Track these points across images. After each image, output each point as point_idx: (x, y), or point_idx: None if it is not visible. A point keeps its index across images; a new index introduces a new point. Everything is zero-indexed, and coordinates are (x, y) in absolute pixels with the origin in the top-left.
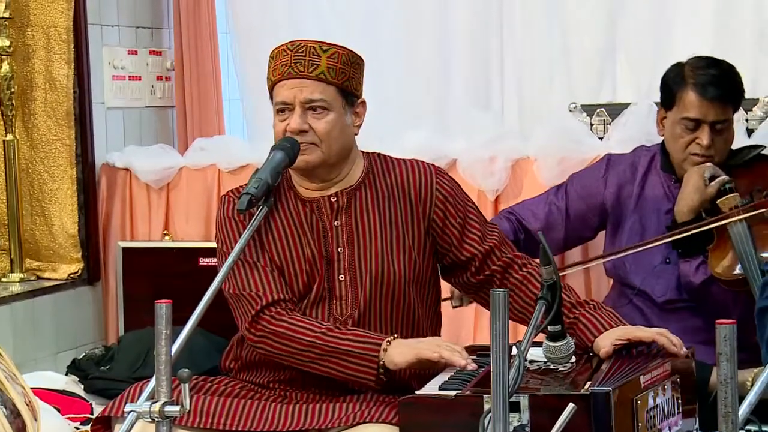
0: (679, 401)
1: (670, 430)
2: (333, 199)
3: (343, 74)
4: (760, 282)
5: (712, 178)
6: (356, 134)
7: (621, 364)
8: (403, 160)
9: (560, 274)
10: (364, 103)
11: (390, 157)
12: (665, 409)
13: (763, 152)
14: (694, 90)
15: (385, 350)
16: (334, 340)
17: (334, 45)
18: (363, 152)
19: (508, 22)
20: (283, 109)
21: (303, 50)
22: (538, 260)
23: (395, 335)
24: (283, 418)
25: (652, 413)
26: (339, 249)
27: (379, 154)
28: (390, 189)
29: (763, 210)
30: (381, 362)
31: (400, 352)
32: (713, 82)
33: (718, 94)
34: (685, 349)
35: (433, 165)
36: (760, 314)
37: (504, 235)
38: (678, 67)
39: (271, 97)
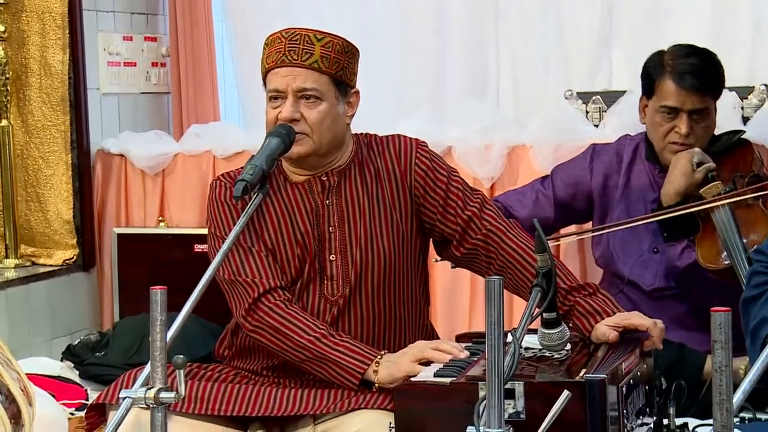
0: (647, 388)
1: (641, 416)
2: (324, 178)
3: (337, 64)
4: (745, 268)
5: (700, 164)
6: (348, 124)
7: (614, 352)
8: (387, 137)
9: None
10: (357, 93)
11: (376, 135)
12: (640, 396)
13: (742, 138)
14: (671, 79)
15: (375, 371)
16: (326, 348)
17: (329, 34)
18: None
19: (503, 10)
20: (275, 97)
21: (297, 38)
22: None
23: (384, 351)
24: (278, 404)
25: (631, 399)
26: (330, 228)
27: (366, 134)
28: (377, 168)
29: (744, 196)
30: (362, 377)
31: (388, 373)
32: (691, 71)
33: (695, 83)
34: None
35: (415, 139)
36: (744, 304)
37: (486, 199)
38: (658, 55)
39: (265, 84)
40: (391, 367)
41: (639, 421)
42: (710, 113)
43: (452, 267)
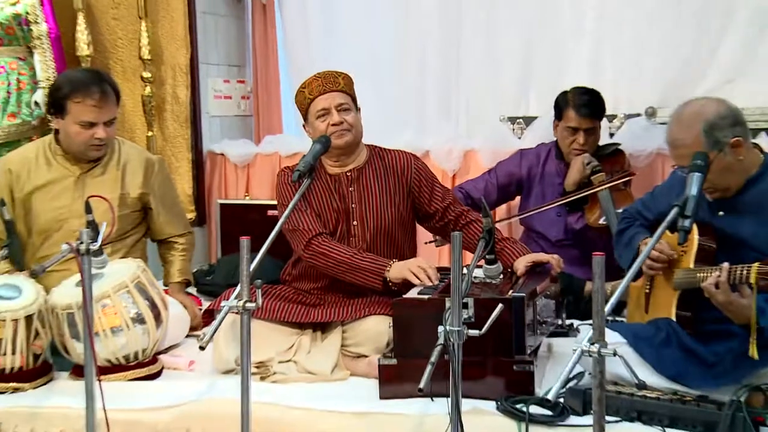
0: (554, 302)
1: (550, 320)
2: (348, 174)
3: (350, 88)
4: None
5: (589, 163)
6: None
7: (529, 279)
8: (393, 150)
9: (494, 223)
10: (360, 109)
11: (381, 147)
12: (548, 307)
13: (618, 148)
14: (573, 109)
15: (388, 270)
16: (358, 260)
17: (342, 72)
18: (365, 144)
19: (463, 62)
20: (323, 114)
21: (327, 75)
22: (477, 213)
23: (394, 259)
24: (319, 315)
25: (541, 310)
26: (353, 205)
27: (374, 146)
28: (385, 167)
29: (617, 183)
30: (384, 277)
31: (397, 271)
32: (585, 104)
33: (588, 111)
34: (560, 269)
35: (412, 154)
36: (617, 234)
37: (455, 197)
38: (564, 93)
39: (306, 113)
40: (399, 269)
41: (549, 322)
42: (597, 130)
43: (436, 246)
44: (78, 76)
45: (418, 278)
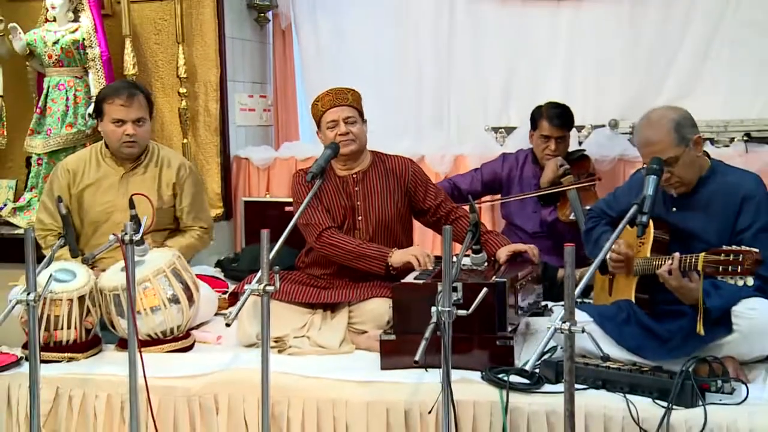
0: (535, 287)
1: (526, 302)
2: (354, 176)
3: (358, 103)
4: (584, 222)
5: (561, 165)
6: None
7: (511, 267)
8: (392, 155)
9: (478, 207)
10: (366, 120)
11: (383, 153)
12: (526, 292)
13: (584, 153)
14: (546, 120)
15: (390, 256)
16: (363, 249)
17: (352, 88)
18: (369, 150)
19: (454, 80)
20: (332, 125)
21: (338, 91)
22: (465, 207)
23: (395, 248)
24: (329, 296)
25: (525, 292)
26: (358, 203)
27: (377, 152)
28: (386, 170)
29: (585, 185)
30: (387, 263)
31: (398, 257)
32: (557, 116)
33: (559, 122)
34: (537, 260)
35: (409, 158)
36: (585, 233)
37: (447, 194)
38: (539, 107)
39: (319, 122)
40: (400, 255)
41: (532, 303)
42: (567, 138)
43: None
44: (113, 84)
45: (419, 261)
